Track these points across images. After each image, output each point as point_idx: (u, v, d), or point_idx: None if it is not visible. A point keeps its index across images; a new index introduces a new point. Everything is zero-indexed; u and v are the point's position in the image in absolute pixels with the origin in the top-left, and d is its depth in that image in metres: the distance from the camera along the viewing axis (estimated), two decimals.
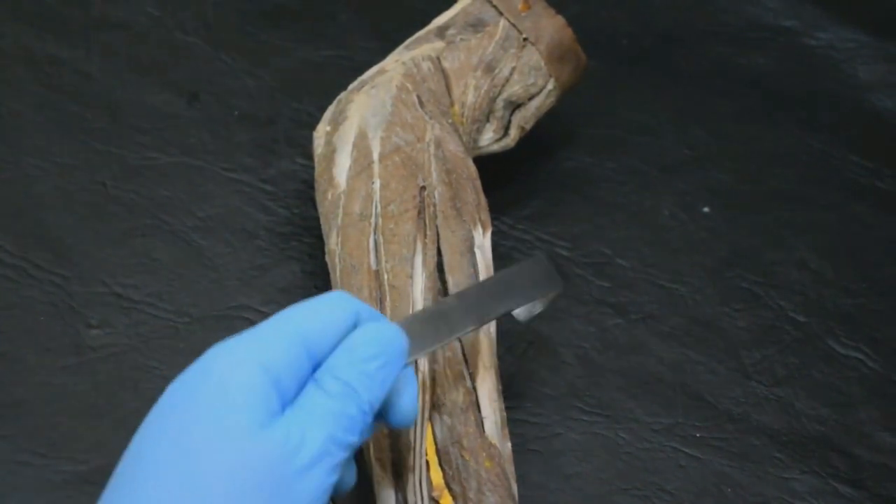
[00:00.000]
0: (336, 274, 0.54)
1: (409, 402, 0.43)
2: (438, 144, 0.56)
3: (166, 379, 0.55)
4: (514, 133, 0.61)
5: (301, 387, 0.40)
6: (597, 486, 0.55)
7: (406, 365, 0.43)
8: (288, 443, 0.37)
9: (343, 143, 0.57)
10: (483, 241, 0.55)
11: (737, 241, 0.65)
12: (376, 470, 0.49)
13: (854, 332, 0.61)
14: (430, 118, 0.57)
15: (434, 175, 0.55)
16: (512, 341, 0.59)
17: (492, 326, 0.52)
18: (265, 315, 0.58)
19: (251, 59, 0.71)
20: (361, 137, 0.56)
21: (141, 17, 0.72)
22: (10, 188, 0.63)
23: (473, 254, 0.53)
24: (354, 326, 0.42)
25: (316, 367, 0.41)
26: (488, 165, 0.61)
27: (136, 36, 0.71)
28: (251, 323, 0.58)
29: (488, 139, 0.61)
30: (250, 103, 0.69)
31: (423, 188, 0.54)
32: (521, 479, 0.54)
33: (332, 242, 0.54)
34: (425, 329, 0.45)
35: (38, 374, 0.55)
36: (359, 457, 0.50)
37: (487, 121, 0.60)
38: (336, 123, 0.58)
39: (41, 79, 0.68)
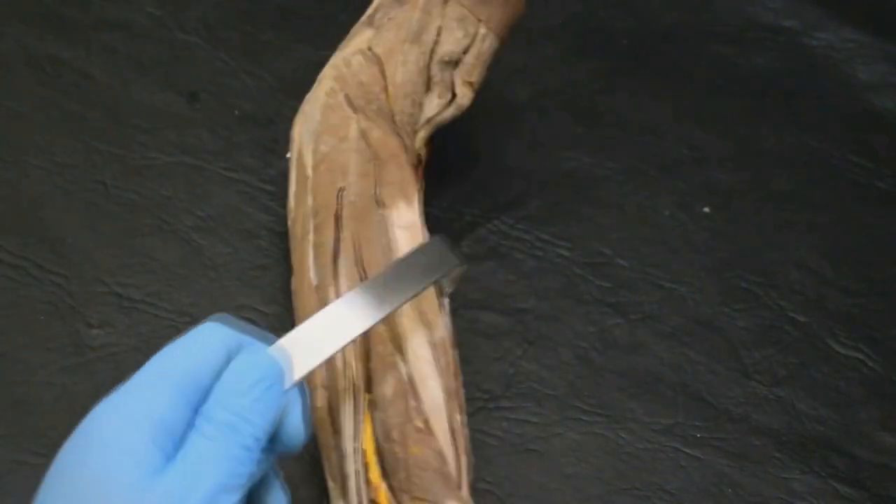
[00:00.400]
0: (294, 299, 0.54)
1: (294, 425, 0.41)
2: (363, 135, 0.56)
3: None
4: (462, 91, 0.59)
5: (187, 430, 0.39)
6: (596, 486, 0.55)
7: (295, 385, 0.41)
8: (173, 496, 0.37)
9: (291, 167, 0.58)
10: (408, 219, 0.54)
11: (737, 241, 0.65)
12: (330, 485, 0.49)
13: (854, 332, 0.61)
14: (356, 112, 0.56)
15: (354, 170, 0.55)
16: (512, 341, 0.59)
17: (427, 312, 0.51)
18: (266, 314, 0.58)
19: (251, 59, 0.71)
20: (300, 156, 0.57)
21: (141, 17, 0.72)
22: (11, 188, 0.63)
23: (396, 239, 0.53)
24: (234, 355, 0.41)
25: (200, 406, 0.39)
26: (488, 166, 0.61)
27: (136, 36, 0.71)
28: (252, 322, 0.58)
29: (435, 106, 0.59)
30: (250, 103, 0.69)
31: (343, 188, 0.54)
32: (520, 479, 0.54)
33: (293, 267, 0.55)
34: (312, 342, 0.43)
35: (38, 374, 0.55)
36: (320, 474, 0.51)
37: (429, 89, 0.59)
38: (290, 148, 0.59)
39: (41, 79, 0.68)
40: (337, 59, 0.59)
